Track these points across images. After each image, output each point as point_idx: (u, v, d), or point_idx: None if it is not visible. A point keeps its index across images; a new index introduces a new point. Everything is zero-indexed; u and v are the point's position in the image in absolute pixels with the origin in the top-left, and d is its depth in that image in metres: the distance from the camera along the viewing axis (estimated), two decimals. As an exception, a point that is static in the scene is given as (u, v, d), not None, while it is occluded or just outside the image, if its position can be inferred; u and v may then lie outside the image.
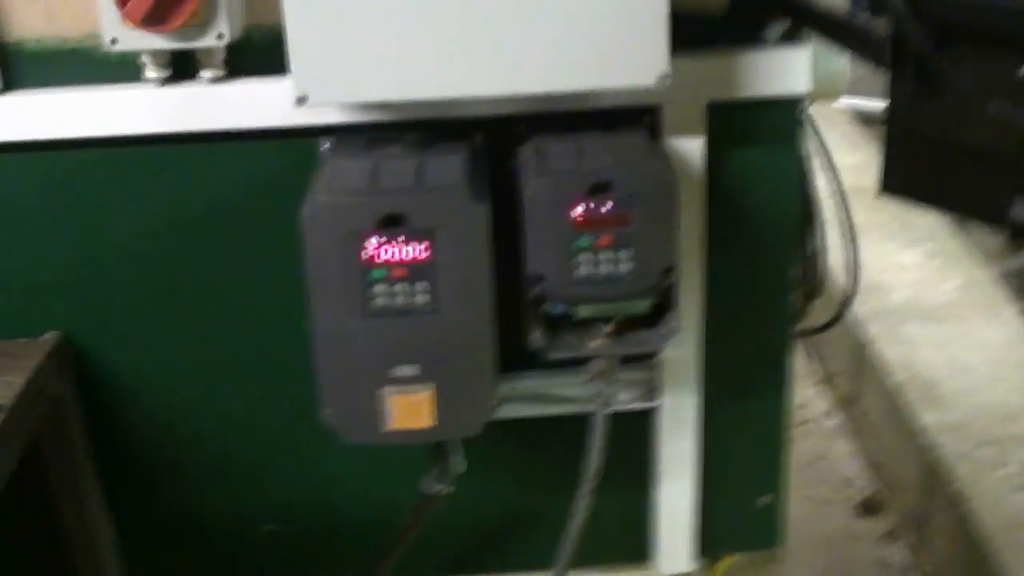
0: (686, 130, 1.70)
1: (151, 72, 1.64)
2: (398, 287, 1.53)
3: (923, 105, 1.47)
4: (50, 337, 1.78)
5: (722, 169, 1.74)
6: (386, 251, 1.52)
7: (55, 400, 1.77)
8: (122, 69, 1.65)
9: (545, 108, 1.66)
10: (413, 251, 1.52)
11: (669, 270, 1.58)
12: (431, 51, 1.52)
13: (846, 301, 1.99)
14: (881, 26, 1.43)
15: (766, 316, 1.85)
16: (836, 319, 2.02)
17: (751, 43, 1.69)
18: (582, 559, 1.85)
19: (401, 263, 1.52)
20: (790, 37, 1.69)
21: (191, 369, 1.84)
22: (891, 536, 3.59)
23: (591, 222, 1.54)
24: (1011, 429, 3.39)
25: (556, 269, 1.57)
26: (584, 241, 1.55)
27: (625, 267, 1.57)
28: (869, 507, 3.81)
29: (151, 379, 1.84)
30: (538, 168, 1.57)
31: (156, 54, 1.62)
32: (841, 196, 1.93)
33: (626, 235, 1.55)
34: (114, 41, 1.57)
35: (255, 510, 1.94)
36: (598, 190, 1.54)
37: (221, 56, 1.64)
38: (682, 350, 1.81)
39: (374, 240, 1.51)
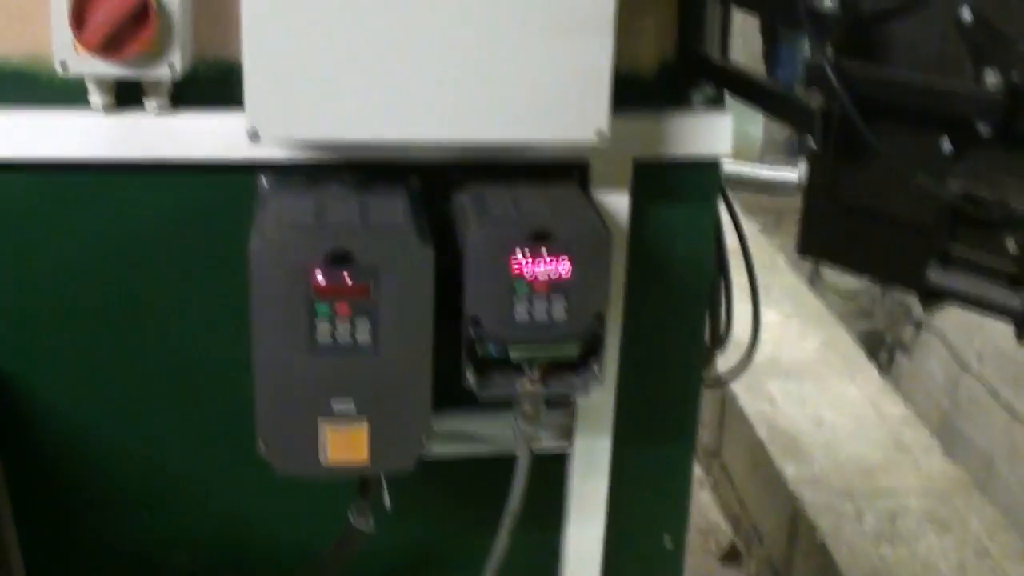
0: (613, 185, 1.79)
1: (96, 98, 1.64)
2: (340, 325, 1.57)
3: (844, 173, 1.58)
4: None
5: (644, 223, 1.83)
6: (330, 288, 1.55)
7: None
8: (64, 93, 1.65)
9: (481, 157, 1.73)
10: (356, 289, 1.56)
11: (600, 317, 1.66)
12: (383, 95, 1.58)
13: (750, 352, 2.10)
14: (808, 96, 1.54)
15: (679, 364, 1.94)
16: (741, 369, 2.12)
17: (677, 105, 1.79)
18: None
19: (345, 300, 1.56)
20: (713, 101, 1.79)
21: (109, 397, 1.83)
22: (752, 583, 3.74)
23: (530, 270, 1.61)
24: (870, 483, 3.56)
25: (494, 312, 1.63)
26: (521, 287, 1.62)
27: (558, 313, 1.63)
28: (731, 555, 3.96)
29: (67, 406, 1.82)
30: (479, 215, 1.63)
31: (103, 81, 1.63)
32: (746, 256, 2.04)
33: (561, 283, 1.62)
34: (64, 65, 1.57)
35: (167, 540, 1.93)
36: (537, 239, 1.60)
37: (168, 87, 1.66)
38: (599, 395, 1.88)
39: (319, 276, 1.54)
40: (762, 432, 3.89)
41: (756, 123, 1.84)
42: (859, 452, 3.72)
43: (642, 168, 1.79)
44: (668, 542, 2.06)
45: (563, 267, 1.61)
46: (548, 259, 1.61)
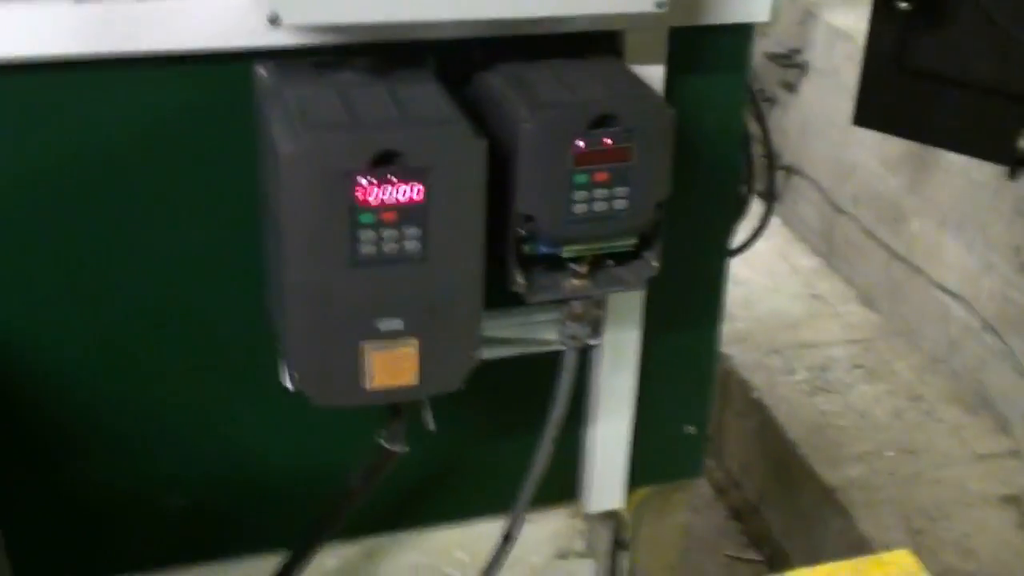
0: (648, 56, 1.63)
1: (66, -15, 1.38)
2: (386, 233, 1.38)
3: (919, 37, 1.47)
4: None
5: (677, 94, 1.67)
6: (376, 193, 1.35)
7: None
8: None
9: (506, 32, 1.53)
10: (406, 192, 1.37)
11: (661, 205, 1.51)
12: (415, -31, 1.37)
13: (763, 222, 2.01)
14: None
15: (708, 240, 1.83)
16: (754, 237, 2.02)
17: (715, -34, 1.62)
18: (509, 503, 1.78)
19: (392, 206, 1.37)
20: (751, -39, 1.64)
21: (91, 330, 1.61)
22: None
23: (592, 158, 1.44)
24: (795, 336, 3.56)
25: (550, 208, 1.46)
26: (582, 178, 1.45)
27: (620, 203, 1.48)
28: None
29: (45, 342, 1.59)
30: (528, 101, 1.45)
31: (74, -36, 1.36)
32: (762, 124, 1.92)
33: (624, 170, 1.46)
34: (33, -53, 1.31)
35: (163, 483, 1.73)
36: (598, 123, 1.44)
37: (149, -32, 1.40)
38: (628, 284, 1.74)
39: (363, 181, 1.34)
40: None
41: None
42: (779, 306, 3.71)
43: (676, 35, 1.63)
44: (690, 430, 1.96)
45: (627, 152, 1.45)
46: (611, 145, 1.44)
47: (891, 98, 1.54)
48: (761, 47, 5.43)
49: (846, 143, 4.54)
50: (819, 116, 4.61)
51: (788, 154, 5.34)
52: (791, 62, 5.25)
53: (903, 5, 1.40)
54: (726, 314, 3.63)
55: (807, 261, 4.02)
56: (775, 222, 4.29)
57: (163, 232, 1.57)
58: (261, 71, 1.50)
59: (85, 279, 1.57)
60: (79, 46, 1.41)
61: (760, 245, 3.99)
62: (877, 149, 4.29)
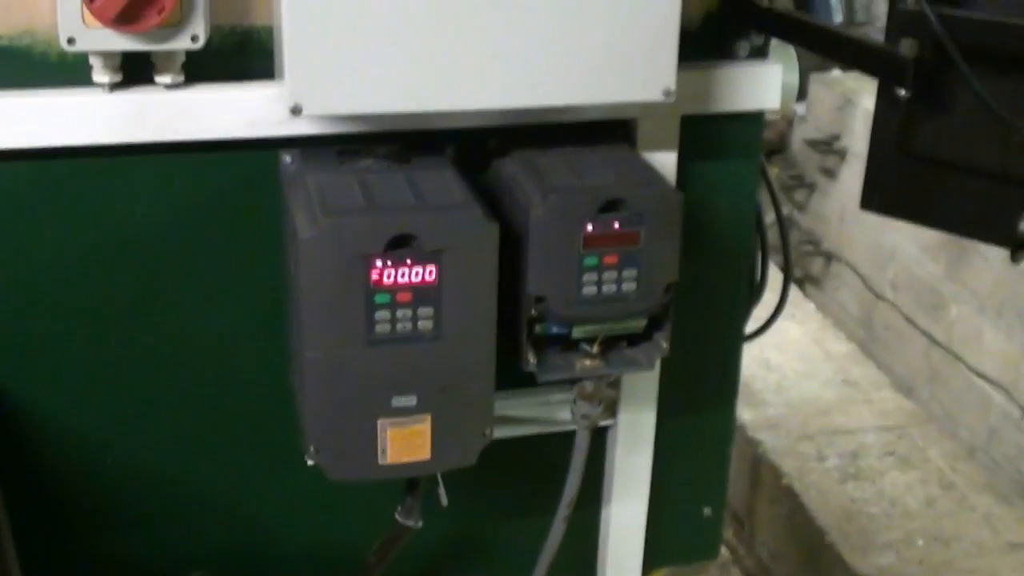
0: (661, 143, 1.68)
1: (101, 76, 1.45)
2: (401, 312, 1.43)
3: (922, 124, 1.51)
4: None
5: (689, 180, 1.72)
6: (392, 274, 1.41)
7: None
8: (60, 73, 1.46)
9: (521, 121, 1.60)
10: (420, 274, 1.42)
11: (669, 287, 1.55)
12: (431, 62, 1.44)
13: (779, 308, 2.03)
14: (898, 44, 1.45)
15: (722, 325, 1.86)
16: (771, 320, 2.05)
17: (723, 57, 1.68)
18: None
19: (407, 286, 1.42)
20: (759, 51, 1.70)
21: (116, 405, 1.66)
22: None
23: (601, 241, 1.49)
24: (827, 422, 3.56)
25: (561, 289, 1.51)
26: (591, 260, 1.50)
27: (628, 286, 1.53)
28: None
29: (71, 416, 1.65)
30: (539, 186, 1.50)
31: (109, 56, 1.44)
32: (777, 209, 1.97)
33: (633, 254, 1.51)
34: (71, 41, 1.39)
35: (183, 554, 1.76)
36: (608, 208, 1.49)
37: (182, 60, 1.48)
38: (644, 366, 1.78)
39: (379, 263, 1.40)
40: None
41: (793, 71, 1.74)
42: (811, 392, 3.71)
43: (687, 123, 1.69)
44: (708, 511, 1.98)
45: (635, 236, 1.50)
46: (620, 229, 1.49)
47: (896, 183, 1.57)
48: (801, 134, 5.49)
49: (884, 229, 4.56)
50: (858, 202, 4.63)
51: (828, 240, 5.37)
52: (830, 148, 5.30)
53: (903, 93, 1.45)
54: (759, 400, 3.67)
55: (841, 347, 4.03)
56: (809, 308, 4.32)
57: (192, 312, 1.63)
58: (286, 158, 1.56)
59: (114, 356, 1.63)
60: (112, 135, 1.48)
61: (794, 331, 4.04)
62: (916, 234, 4.31)
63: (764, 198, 1.90)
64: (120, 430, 1.67)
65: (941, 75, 1.45)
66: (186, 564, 1.77)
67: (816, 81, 5.30)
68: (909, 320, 4.54)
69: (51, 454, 1.66)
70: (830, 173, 5.34)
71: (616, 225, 1.49)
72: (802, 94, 5.37)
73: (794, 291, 4.50)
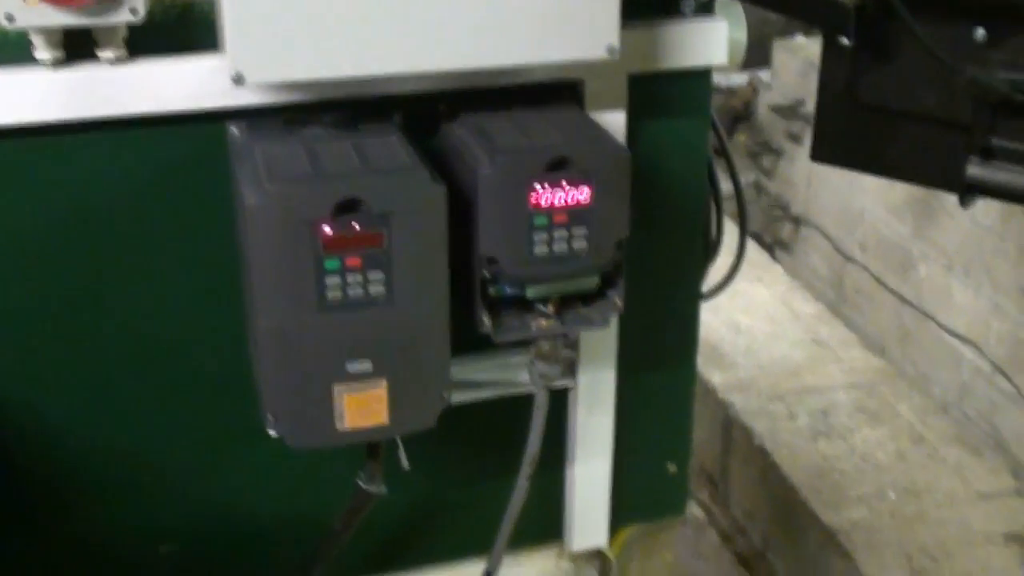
0: (609, 103, 1.69)
1: (43, 53, 1.45)
2: (351, 278, 1.44)
3: (868, 73, 1.52)
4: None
5: (639, 140, 1.73)
6: (340, 240, 1.41)
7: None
8: (3, 51, 1.46)
9: (468, 84, 1.60)
10: (368, 238, 1.42)
11: (620, 244, 1.56)
12: (374, 27, 1.44)
13: (736, 265, 2.04)
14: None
15: (678, 283, 1.87)
16: (729, 277, 2.06)
17: (669, 15, 1.69)
18: (491, 543, 1.82)
19: (356, 252, 1.42)
20: (705, 7, 1.70)
21: (77, 383, 1.66)
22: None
23: (548, 200, 1.50)
24: (797, 382, 3.58)
25: (511, 250, 1.51)
26: (540, 220, 1.51)
27: (579, 244, 1.53)
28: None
29: (32, 396, 1.65)
30: (487, 148, 1.51)
31: (51, 33, 1.44)
32: (730, 165, 1.97)
33: (582, 212, 1.52)
34: (10, 18, 1.38)
35: (150, 529, 1.77)
36: (554, 167, 1.49)
37: (123, 34, 1.48)
38: (601, 325, 1.79)
39: (326, 229, 1.41)
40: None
41: (741, 28, 1.75)
42: (781, 353, 3.74)
43: (635, 82, 1.69)
44: (672, 468, 2.00)
45: (583, 194, 1.51)
46: (567, 187, 1.50)
47: (845, 133, 1.59)
48: (766, 100, 5.51)
49: (852, 191, 4.59)
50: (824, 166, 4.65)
51: (796, 205, 5.39)
52: (796, 114, 5.32)
53: (846, 42, 1.46)
54: (729, 362, 3.69)
55: (809, 307, 4.05)
56: (777, 271, 4.34)
57: (146, 287, 1.63)
58: (234, 130, 1.56)
59: (69, 336, 1.63)
60: (56, 112, 1.48)
61: (762, 294, 4.06)
62: (883, 196, 4.33)
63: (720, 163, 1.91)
64: (80, 407, 1.67)
65: (884, 24, 1.47)
66: (155, 539, 1.78)
67: (780, 47, 5.31)
68: (879, 281, 4.56)
69: (11, 435, 1.65)
70: (796, 138, 5.36)
71: (563, 183, 1.50)
72: (766, 60, 5.39)
73: (763, 255, 4.52)
